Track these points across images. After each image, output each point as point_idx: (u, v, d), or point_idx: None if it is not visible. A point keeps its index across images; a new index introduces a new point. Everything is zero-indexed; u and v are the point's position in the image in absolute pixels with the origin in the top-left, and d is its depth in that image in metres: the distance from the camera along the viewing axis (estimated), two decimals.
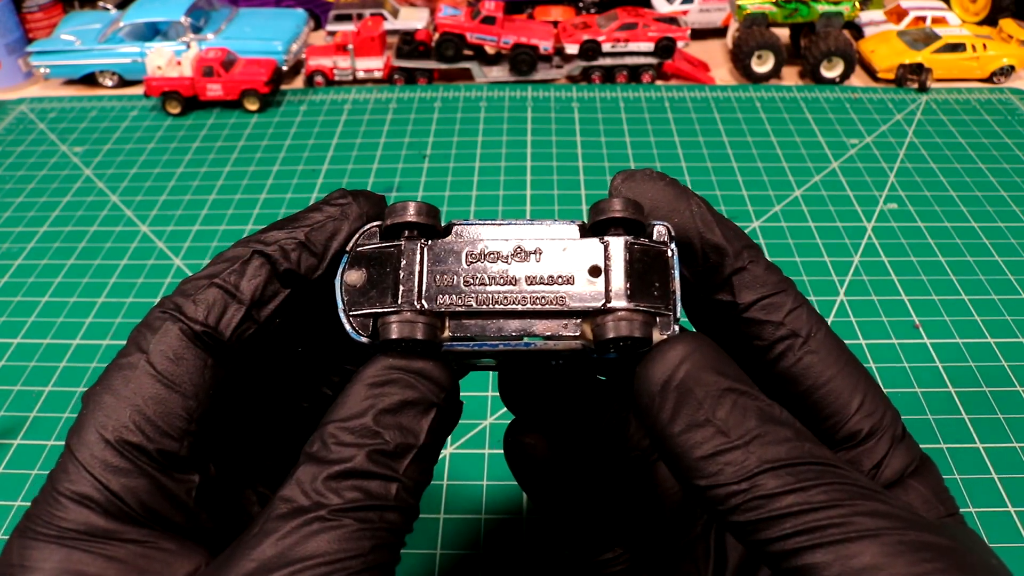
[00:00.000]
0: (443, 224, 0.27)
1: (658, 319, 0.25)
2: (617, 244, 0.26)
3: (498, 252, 0.26)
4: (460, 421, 0.53)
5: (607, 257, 0.26)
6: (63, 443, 0.24)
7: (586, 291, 0.26)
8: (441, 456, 0.51)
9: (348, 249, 0.27)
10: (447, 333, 0.26)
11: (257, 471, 0.30)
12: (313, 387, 0.31)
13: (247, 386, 0.29)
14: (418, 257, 0.26)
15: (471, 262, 0.26)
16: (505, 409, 0.55)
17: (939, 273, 0.67)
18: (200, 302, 0.25)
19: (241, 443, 0.29)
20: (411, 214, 0.26)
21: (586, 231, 0.27)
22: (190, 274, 0.67)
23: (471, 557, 0.46)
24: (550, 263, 0.26)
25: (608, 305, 0.25)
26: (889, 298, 0.65)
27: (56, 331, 0.63)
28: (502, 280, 0.26)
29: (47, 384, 0.58)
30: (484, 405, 0.55)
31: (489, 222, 0.27)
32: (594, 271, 0.26)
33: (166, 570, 0.23)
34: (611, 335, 0.25)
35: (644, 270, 0.26)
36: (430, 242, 0.26)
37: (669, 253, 0.26)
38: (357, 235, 0.27)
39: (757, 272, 0.27)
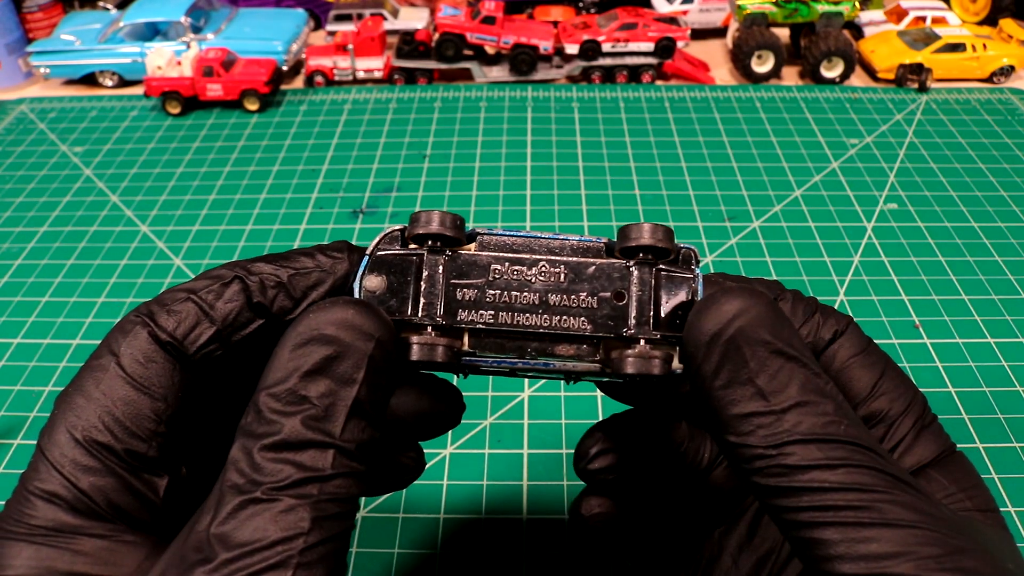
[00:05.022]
0: (467, 231, 0.27)
1: (678, 349, 0.25)
2: (643, 270, 0.26)
3: (522, 269, 0.26)
4: (460, 421, 0.54)
5: (632, 283, 0.26)
6: None
7: (609, 316, 0.26)
8: (441, 456, 0.52)
9: (369, 252, 0.27)
10: (466, 347, 0.26)
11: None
12: None
13: (220, 394, 0.29)
14: (440, 269, 0.26)
15: (494, 278, 0.26)
16: (505, 409, 0.55)
17: (939, 273, 0.67)
18: (173, 313, 0.25)
19: (215, 445, 0.29)
20: (435, 227, 0.26)
21: (612, 251, 0.27)
22: (190, 274, 0.67)
23: (471, 557, 0.46)
24: (574, 284, 0.26)
25: (630, 332, 0.25)
26: (889, 298, 0.65)
27: (56, 331, 0.63)
28: (525, 300, 0.26)
29: (47, 384, 0.58)
30: (484, 405, 0.55)
31: (514, 234, 0.27)
32: (618, 296, 0.26)
33: (133, 562, 0.24)
34: (629, 371, 0.25)
35: (669, 297, 0.26)
36: (452, 254, 0.26)
37: (695, 280, 0.26)
38: (378, 238, 0.27)
39: (786, 309, 0.28)
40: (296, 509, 0.21)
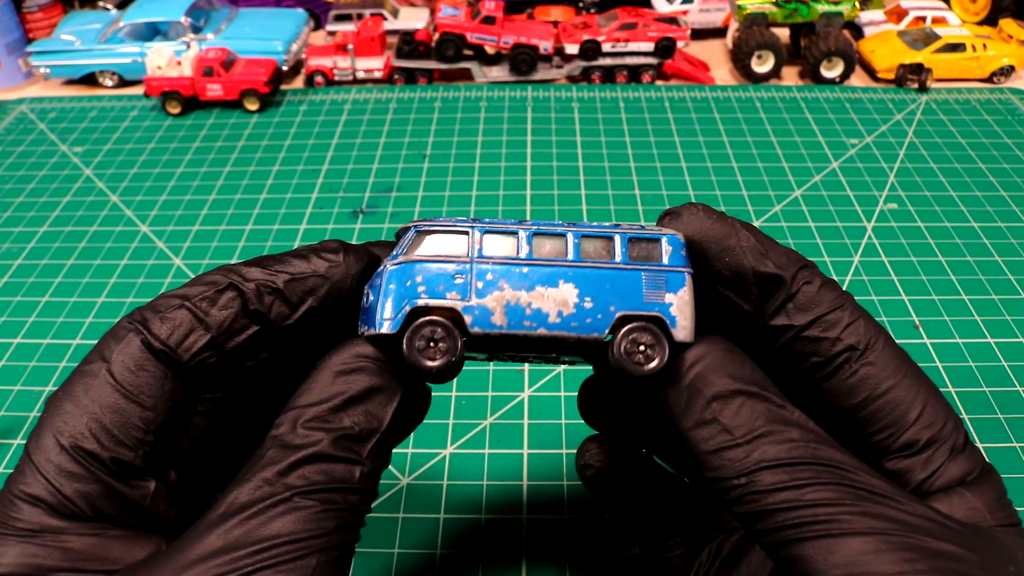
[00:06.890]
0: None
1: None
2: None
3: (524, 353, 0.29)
4: (460, 421, 0.54)
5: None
6: None
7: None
8: (441, 456, 0.52)
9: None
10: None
11: (223, 473, 0.30)
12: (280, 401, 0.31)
13: (213, 399, 0.29)
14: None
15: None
16: (505, 409, 0.55)
17: (939, 273, 0.67)
18: (167, 320, 0.25)
19: (207, 449, 0.29)
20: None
21: (613, 336, 0.28)
22: (190, 274, 0.67)
23: (471, 557, 0.46)
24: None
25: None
26: (889, 298, 0.65)
27: (56, 331, 0.63)
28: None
29: (47, 384, 0.58)
30: (484, 405, 0.55)
31: (506, 331, 0.26)
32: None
33: (124, 555, 0.24)
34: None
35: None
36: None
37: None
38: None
39: (811, 292, 0.28)
40: (321, 513, 0.23)
